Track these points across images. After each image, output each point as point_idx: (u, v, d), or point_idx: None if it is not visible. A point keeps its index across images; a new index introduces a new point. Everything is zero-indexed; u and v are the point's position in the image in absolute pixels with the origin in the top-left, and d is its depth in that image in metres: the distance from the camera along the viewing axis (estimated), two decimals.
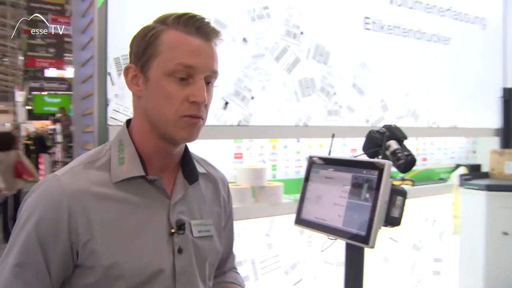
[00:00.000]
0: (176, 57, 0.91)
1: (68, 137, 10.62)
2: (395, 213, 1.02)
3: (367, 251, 1.16)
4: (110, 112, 1.96)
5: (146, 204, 0.95)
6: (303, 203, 1.20)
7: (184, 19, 0.93)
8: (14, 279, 0.87)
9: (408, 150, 1.13)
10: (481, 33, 3.48)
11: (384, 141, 1.13)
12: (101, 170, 0.95)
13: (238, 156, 2.54)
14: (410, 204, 2.98)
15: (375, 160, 1.08)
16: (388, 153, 1.12)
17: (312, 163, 1.24)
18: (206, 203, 1.08)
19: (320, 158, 1.24)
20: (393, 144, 1.14)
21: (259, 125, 2.37)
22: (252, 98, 2.34)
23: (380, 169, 1.02)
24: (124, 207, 0.93)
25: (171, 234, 0.96)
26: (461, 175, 3.32)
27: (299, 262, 2.56)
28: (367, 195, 1.01)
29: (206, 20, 0.95)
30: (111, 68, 1.96)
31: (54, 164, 9.42)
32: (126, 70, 0.98)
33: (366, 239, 0.98)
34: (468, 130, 3.43)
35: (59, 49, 11.22)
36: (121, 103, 1.98)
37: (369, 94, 2.78)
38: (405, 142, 1.16)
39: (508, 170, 3.41)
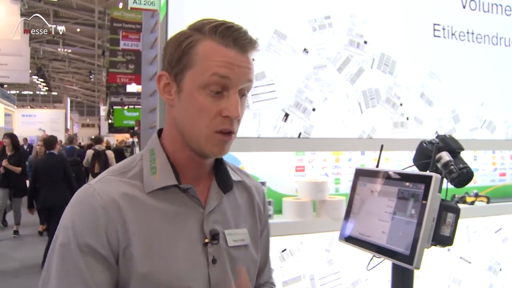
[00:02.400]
0: (211, 68, 0.89)
1: None
2: (445, 231, 0.93)
3: (419, 272, 1.08)
4: None
5: (180, 213, 0.93)
6: (348, 218, 1.14)
7: (222, 29, 0.91)
8: None
9: (464, 163, 1.03)
10: None
11: (434, 152, 1.04)
12: (133, 180, 0.94)
13: (300, 169, 2.50)
14: (485, 223, 2.79)
15: (421, 172, 0.99)
16: (439, 165, 1.03)
17: (358, 175, 1.18)
18: (241, 212, 1.05)
19: (367, 171, 1.17)
20: (445, 156, 1.05)
21: (320, 137, 2.32)
22: (314, 109, 2.30)
23: (427, 182, 0.94)
24: (157, 216, 0.91)
25: (205, 244, 0.94)
26: None
27: (361, 280, 2.45)
28: (413, 211, 0.93)
29: (244, 29, 0.93)
30: None
31: None
32: (159, 78, 0.96)
33: (410, 258, 0.90)
34: None
35: (138, 65, 11.80)
36: None
37: (438, 105, 2.63)
38: (462, 154, 1.06)
39: None
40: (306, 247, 2.31)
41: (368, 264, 1.06)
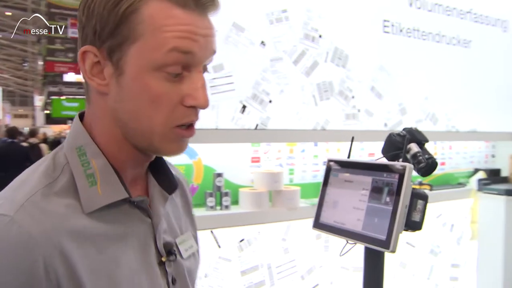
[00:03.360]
0: (168, 41, 0.65)
1: None
2: (416, 217, 1.01)
3: (386, 255, 1.15)
4: None
5: (132, 233, 0.73)
6: (321, 207, 1.19)
7: None
8: None
9: (429, 153, 1.12)
10: (502, 36, 3.43)
11: (405, 144, 1.12)
12: (64, 197, 0.67)
13: (256, 160, 2.54)
14: (428, 209, 2.96)
15: (396, 163, 1.07)
16: (408, 156, 1.10)
17: (331, 166, 1.23)
18: (180, 212, 0.88)
19: (340, 161, 1.23)
20: (414, 147, 1.12)
21: (277, 129, 2.37)
22: (270, 101, 2.34)
23: (401, 172, 1.01)
24: (109, 244, 0.69)
25: (161, 263, 0.76)
26: (480, 180, 3.27)
27: (316, 267, 2.54)
28: (388, 199, 1.00)
29: None
30: None
31: None
32: (82, 55, 0.69)
33: (386, 243, 0.97)
34: (487, 134, 3.38)
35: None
36: None
37: (387, 98, 2.76)
38: (426, 145, 1.15)
39: None
40: (263, 236, 2.36)
41: (342, 250, 1.11)
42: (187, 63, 0.68)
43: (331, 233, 1.13)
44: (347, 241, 1.09)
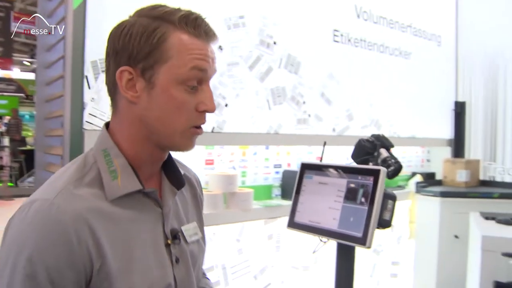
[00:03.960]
0: (190, 62, 0.86)
1: (15, 141, 10.18)
2: (386, 216, 1.11)
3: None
4: (86, 116, 1.94)
5: (144, 218, 0.90)
6: (296, 208, 1.26)
7: (192, 19, 0.88)
8: None
9: (395, 158, 1.22)
10: (437, 49, 3.69)
11: (377, 149, 1.21)
12: (92, 187, 0.86)
13: (209, 162, 2.57)
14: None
15: (371, 166, 1.16)
16: (379, 160, 1.19)
17: (305, 169, 1.30)
18: (188, 205, 1.05)
19: (314, 164, 1.31)
20: (383, 152, 1.22)
21: (233, 132, 2.41)
22: (226, 105, 2.38)
23: (375, 175, 1.10)
24: (126, 226, 0.86)
25: (167, 245, 0.93)
26: (417, 183, 3.50)
27: (268, 267, 2.61)
28: (363, 199, 1.09)
29: (205, 18, 0.91)
30: (88, 71, 1.94)
31: (1, 169, 8.99)
32: (121, 74, 0.87)
33: (363, 240, 1.06)
34: (424, 140, 3.62)
35: (7, 48, 10.77)
36: (97, 107, 1.96)
37: (336, 104, 2.88)
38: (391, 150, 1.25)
39: (459, 178, 3.61)
40: (218, 237, 2.40)
41: (316, 248, 1.18)
42: (201, 78, 0.88)
43: (307, 231, 1.20)
44: (320, 239, 1.16)
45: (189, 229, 1.00)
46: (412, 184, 3.51)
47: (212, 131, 2.34)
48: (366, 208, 1.08)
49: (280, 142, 2.67)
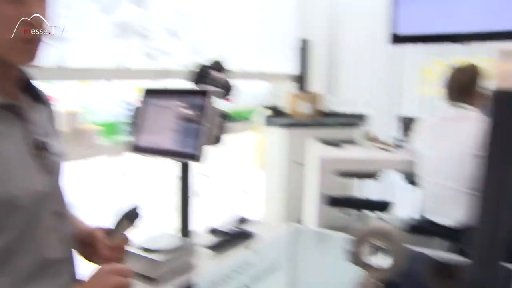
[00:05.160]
0: None
1: None
2: (218, 133, 1.23)
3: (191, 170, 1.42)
4: None
5: (10, 131, 0.89)
6: (139, 132, 1.32)
7: None
8: None
9: (226, 80, 1.33)
10: None
11: (208, 72, 1.31)
12: None
13: (53, 99, 2.43)
14: (222, 141, 3.27)
15: (201, 86, 1.28)
16: (212, 82, 1.29)
17: (144, 94, 1.36)
18: (48, 121, 1.04)
19: (152, 90, 1.37)
20: (216, 74, 1.32)
21: (77, 67, 2.30)
22: (69, 39, 2.24)
23: (206, 94, 1.22)
24: None
25: (36, 156, 0.93)
26: (265, 115, 3.74)
27: (122, 202, 2.63)
28: (196, 119, 1.20)
29: None
30: None
31: None
32: None
33: (197, 156, 1.19)
34: (271, 75, 3.83)
35: None
36: None
37: (183, 39, 2.89)
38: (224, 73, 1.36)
39: (303, 110, 3.94)
40: (65, 176, 2.33)
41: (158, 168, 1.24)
42: None
43: (150, 154, 1.29)
44: (161, 159, 1.26)
45: (53, 144, 0.99)
46: (259, 117, 3.74)
47: (55, 66, 2.20)
48: (199, 126, 1.18)
49: (127, 77, 2.62)
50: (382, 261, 1.06)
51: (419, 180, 2.46)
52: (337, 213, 2.89)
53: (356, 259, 1.07)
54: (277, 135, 3.67)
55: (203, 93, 1.23)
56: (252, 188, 3.79)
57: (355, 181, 3.79)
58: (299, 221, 2.96)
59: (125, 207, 1.04)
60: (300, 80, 4.18)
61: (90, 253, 1.08)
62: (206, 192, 3.27)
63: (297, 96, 4.02)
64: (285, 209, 3.68)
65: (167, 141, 1.25)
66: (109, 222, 1.05)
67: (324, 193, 2.68)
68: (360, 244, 1.07)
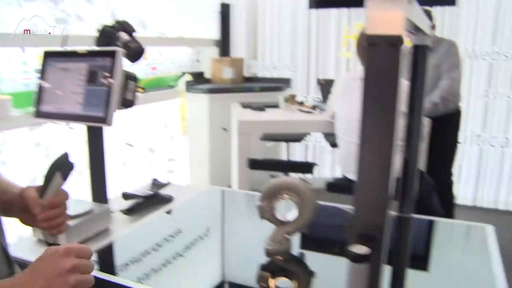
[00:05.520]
0: None
1: None
2: (129, 96, 1.19)
3: (105, 132, 1.35)
4: None
5: None
6: (41, 97, 1.26)
7: None
8: None
9: (137, 42, 1.28)
10: None
11: (115, 33, 1.26)
12: None
13: None
14: (143, 111, 3.22)
15: (108, 48, 1.22)
16: (120, 44, 1.25)
17: (46, 57, 1.29)
18: None
19: (55, 52, 1.30)
20: (123, 36, 1.27)
21: None
22: None
23: (112, 55, 1.17)
24: None
25: None
26: (187, 82, 3.71)
27: (39, 176, 2.54)
28: (103, 81, 1.16)
29: None
30: None
31: None
32: None
33: (106, 120, 1.14)
34: (192, 41, 3.78)
35: None
36: None
37: (98, 3, 2.77)
38: (134, 35, 1.32)
39: (226, 75, 3.95)
40: None
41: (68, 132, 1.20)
42: None
43: (53, 119, 1.23)
44: (67, 124, 1.21)
45: None
46: (182, 84, 3.70)
47: None
48: (106, 89, 1.16)
49: (35, 43, 2.48)
50: (292, 215, 1.12)
51: (337, 140, 2.57)
52: (266, 177, 2.96)
53: (266, 214, 1.12)
54: (199, 101, 3.65)
55: (111, 55, 1.19)
56: (178, 156, 3.79)
57: (284, 145, 3.90)
58: (229, 186, 3.00)
59: (54, 158, 0.93)
60: (222, 45, 4.17)
61: (26, 218, 0.95)
62: (132, 162, 3.23)
63: (219, 61, 4.01)
64: (210, 175, 3.72)
65: (73, 105, 1.20)
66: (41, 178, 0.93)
67: (246, 157, 2.73)
68: (270, 199, 1.12)
